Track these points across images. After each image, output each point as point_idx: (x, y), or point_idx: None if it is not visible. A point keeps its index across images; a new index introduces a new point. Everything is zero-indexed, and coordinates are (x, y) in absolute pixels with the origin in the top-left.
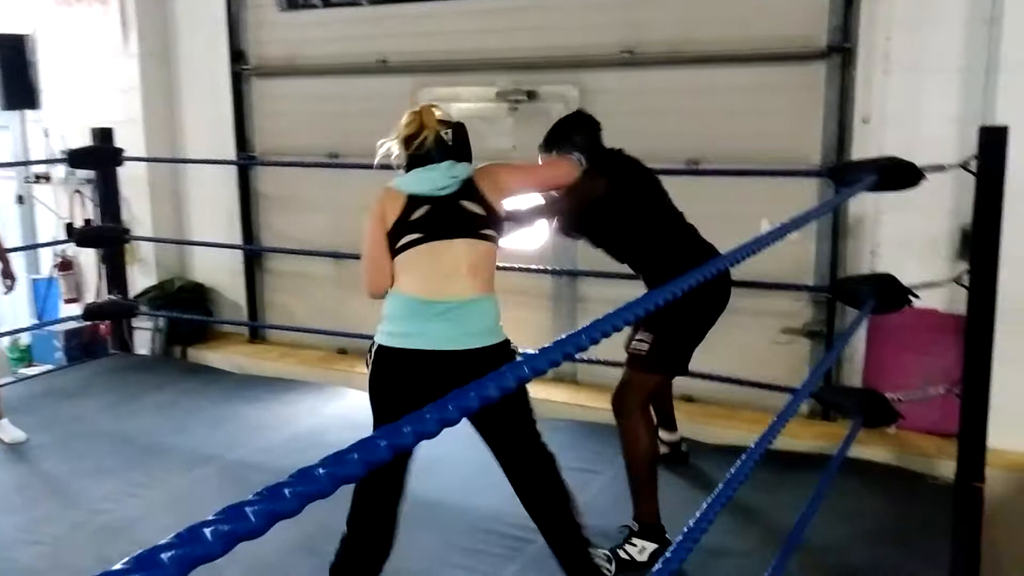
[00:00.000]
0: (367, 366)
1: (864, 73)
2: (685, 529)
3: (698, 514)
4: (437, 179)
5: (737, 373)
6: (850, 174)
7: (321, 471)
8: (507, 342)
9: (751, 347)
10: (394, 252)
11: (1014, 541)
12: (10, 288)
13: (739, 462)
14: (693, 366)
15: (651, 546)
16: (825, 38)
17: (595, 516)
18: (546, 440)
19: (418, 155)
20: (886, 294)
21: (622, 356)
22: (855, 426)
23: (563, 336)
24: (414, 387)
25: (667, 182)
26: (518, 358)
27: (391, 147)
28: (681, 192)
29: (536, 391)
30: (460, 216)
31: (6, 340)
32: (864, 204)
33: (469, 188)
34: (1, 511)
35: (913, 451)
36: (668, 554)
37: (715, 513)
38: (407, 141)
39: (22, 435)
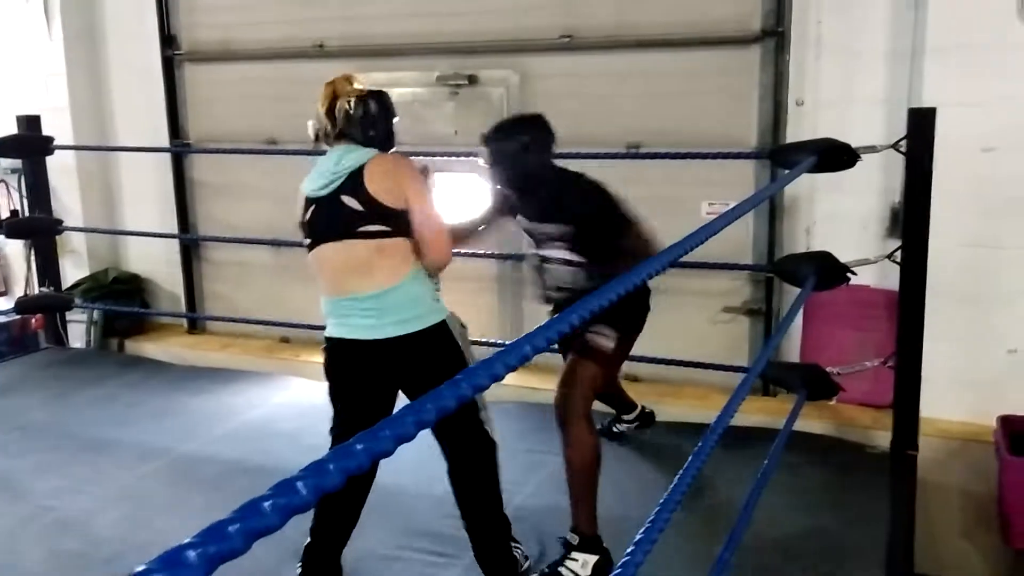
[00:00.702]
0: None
1: (797, 56)
2: (656, 509)
3: (664, 496)
4: (321, 175)
5: (678, 351)
6: (790, 156)
7: (359, 446)
8: (441, 325)
9: (692, 326)
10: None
11: (946, 504)
12: None
13: (700, 443)
14: (638, 348)
15: (592, 558)
16: (759, 22)
17: (546, 496)
18: (493, 428)
19: (325, 136)
20: (825, 271)
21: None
22: (799, 400)
23: (525, 334)
24: (351, 370)
25: (608, 166)
26: (458, 331)
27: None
28: (622, 176)
29: None
30: (337, 216)
31: None
32: (799, 185)
33: (354, 180)
34: None
35: (849, 423)
36: (640, 534)
37: (681, 493)
38: (319, 120)
39: None
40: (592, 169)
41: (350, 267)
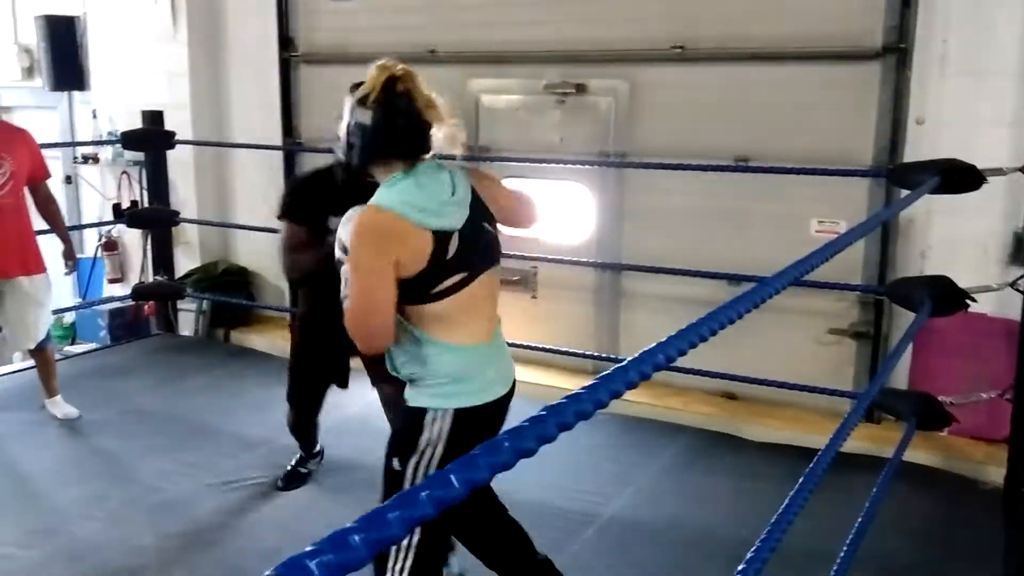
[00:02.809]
0: (428, 441)
1: (919, 74)
2: (763, 535)
3: (773, 519)
4: (448, 204)
5: (778, 371)
6: (911, 176)
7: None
8: None
9: (796, 346)
10: (429, 298)
11: None
12: (72, 269)
13: (810, 467)
14: (737, 366)
15: None
16: (880, 38)
17: (634, 509)
18: None
19: (410, 145)
20: (943, 297)
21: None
22: (909, 429)
23: (649, 348)
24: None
25: (716, 179)
26: None
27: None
28: (729, 188)
29: (578, 385)
30: (487, 244)
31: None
32: (915, 206)
33: (476, 202)
34: (59, 484)
35: (960, 456)
36: (750, 555)
37: (793, 515)
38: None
39: (75, 412)
40: (700, 181)
41: (494, 300)
